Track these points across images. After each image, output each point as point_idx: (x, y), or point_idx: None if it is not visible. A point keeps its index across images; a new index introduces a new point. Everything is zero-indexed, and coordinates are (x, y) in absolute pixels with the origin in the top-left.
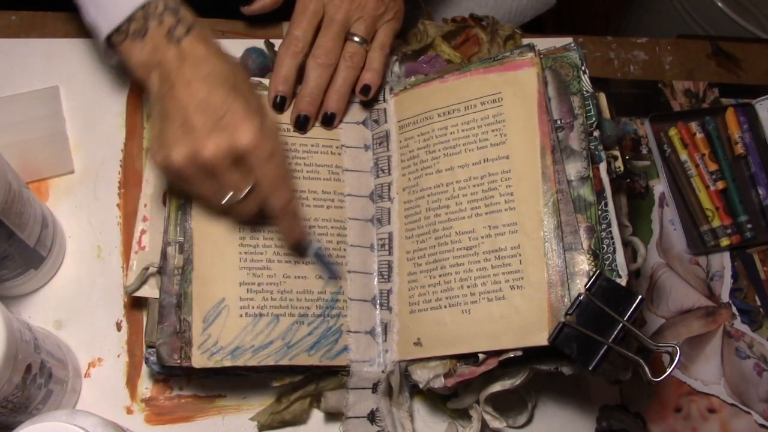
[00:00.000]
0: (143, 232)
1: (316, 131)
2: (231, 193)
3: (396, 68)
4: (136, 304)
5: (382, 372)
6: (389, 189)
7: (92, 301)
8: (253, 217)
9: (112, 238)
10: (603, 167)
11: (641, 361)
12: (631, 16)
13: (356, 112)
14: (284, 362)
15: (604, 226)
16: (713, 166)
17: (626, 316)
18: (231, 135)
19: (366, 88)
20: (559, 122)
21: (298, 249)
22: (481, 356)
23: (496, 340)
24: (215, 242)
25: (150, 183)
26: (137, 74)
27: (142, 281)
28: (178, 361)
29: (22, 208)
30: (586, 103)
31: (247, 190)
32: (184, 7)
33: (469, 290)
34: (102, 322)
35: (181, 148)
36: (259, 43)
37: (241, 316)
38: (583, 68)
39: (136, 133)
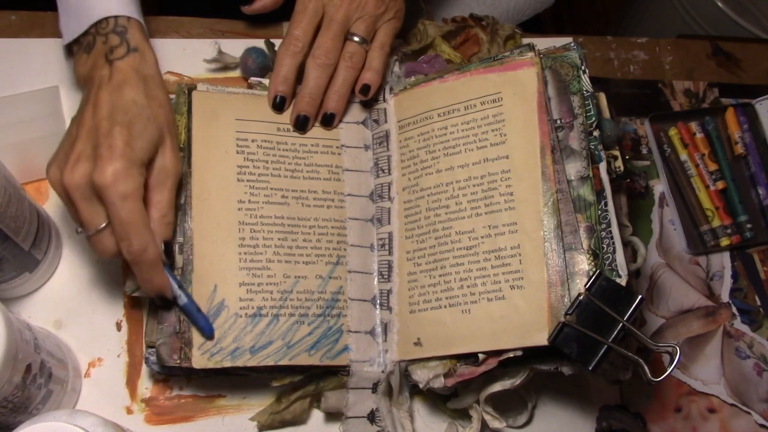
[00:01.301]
0: None
1: (316, 131)
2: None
3: (396, 68)
4: (136, 304)
5: (382, 372)
6: (389, 189)
7: (92, 301)
8: (114, 256)
9: None
10: (603, 167)
11: (641, 361)
12: (631, 16)
13: (356, 112)
14: (284, 362)
15: (604, 225)
16: (713, 166)
17: (626, 316)
18: (94, 167)
19: (366, 88)
20: (558, 122)
21: (164, 299)
22: (481, 356)
23: (496, 340)
24: (215, 243)
25: None
26: (79, 86)
27: None
28: (178, 361)
29: (17, 212)
30: (586, 102)
31: (98, 228)
32: (133, 31)
33: (469, 290)
34: (102, 322)
35: (57, 166)
36: (260, 43)
37: (240, 316)
38: (583, 68)
39: None
